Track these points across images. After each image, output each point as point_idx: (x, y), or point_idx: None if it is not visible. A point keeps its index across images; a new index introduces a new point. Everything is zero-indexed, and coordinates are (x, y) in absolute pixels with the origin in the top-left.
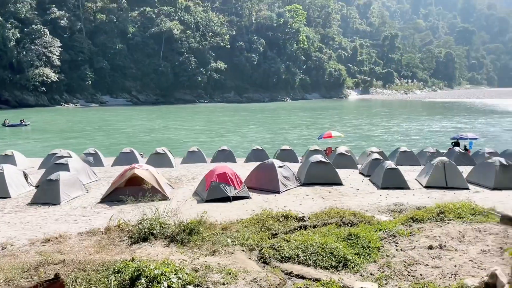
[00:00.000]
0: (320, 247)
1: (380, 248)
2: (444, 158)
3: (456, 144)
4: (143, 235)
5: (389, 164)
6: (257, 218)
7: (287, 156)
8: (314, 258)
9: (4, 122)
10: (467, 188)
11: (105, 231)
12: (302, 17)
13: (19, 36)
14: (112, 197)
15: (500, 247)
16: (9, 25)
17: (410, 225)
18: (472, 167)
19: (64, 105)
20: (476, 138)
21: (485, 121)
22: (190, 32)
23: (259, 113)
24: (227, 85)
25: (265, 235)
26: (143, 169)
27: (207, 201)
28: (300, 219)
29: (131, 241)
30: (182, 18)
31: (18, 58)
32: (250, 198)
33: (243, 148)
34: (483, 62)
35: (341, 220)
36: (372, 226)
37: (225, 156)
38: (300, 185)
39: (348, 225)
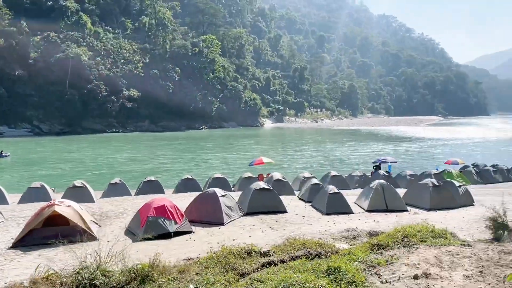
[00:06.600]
0: (303, 287)
1: (364, 281)
2: (382, 181)
3: (378, 167)
4: None
5: (332, 188)
6: (217, 256)
7: (220, 185)
8: None
9: None
10: (406, 210)
11: (31, 286)
12: (217, 47)
13: None
14: (27, 241)
15: (480, 271)
16: None
17: (381, 253)
18: (400, 189)
19: None
20: (395, 162)
21: (397, 145)
22: (100, 59)
23: (193, 143)
24: (141, 114)
25: (232, 276)
26: (65, 206)
27: (144, 239)
28: (265, 254)
29: None
30: (91, 44)
31: None
32: (193, 232)
33: (169, 179)
34: (380, 93)
35: (309, 251)
36: (346, 257)
37: (151, 187)
38: (243, 215)
39: (316, 257)
